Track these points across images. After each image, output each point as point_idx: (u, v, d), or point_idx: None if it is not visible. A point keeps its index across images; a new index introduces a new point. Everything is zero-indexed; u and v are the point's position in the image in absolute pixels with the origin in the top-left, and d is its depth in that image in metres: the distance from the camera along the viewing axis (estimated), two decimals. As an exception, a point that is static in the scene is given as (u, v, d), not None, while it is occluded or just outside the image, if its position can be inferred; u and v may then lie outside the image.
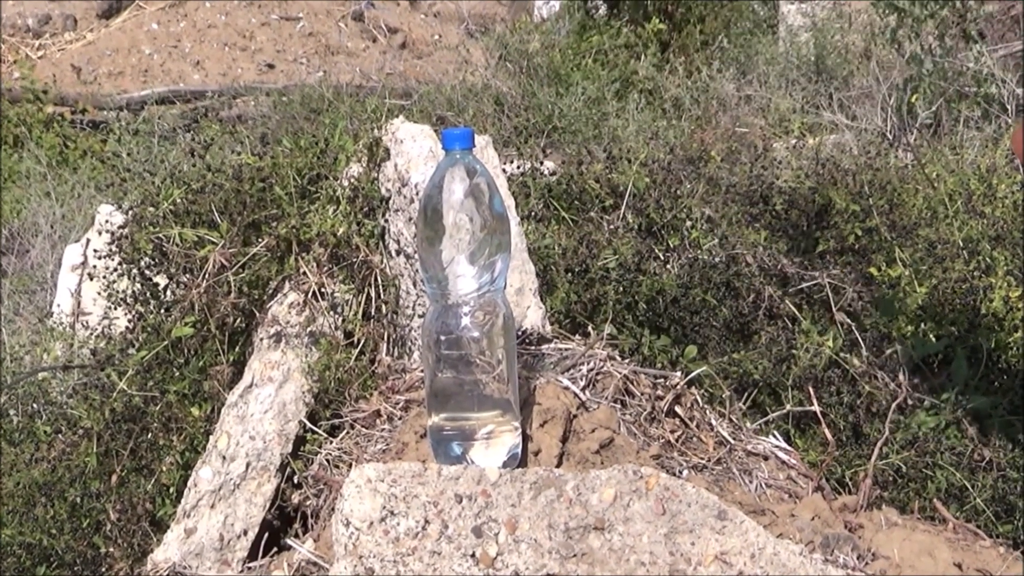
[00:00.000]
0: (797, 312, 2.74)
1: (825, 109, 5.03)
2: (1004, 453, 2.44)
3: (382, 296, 2.33)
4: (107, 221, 2.78)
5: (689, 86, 5.80)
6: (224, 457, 2.09)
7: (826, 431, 2.32)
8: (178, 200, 2.45)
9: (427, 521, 1.64)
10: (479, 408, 1.81)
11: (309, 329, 2.26)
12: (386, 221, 2.38)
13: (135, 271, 2.51)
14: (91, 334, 2.82)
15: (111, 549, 2.26)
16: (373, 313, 2.34)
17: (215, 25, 10.31)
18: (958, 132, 4.43)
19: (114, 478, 2.30)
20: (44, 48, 9.83)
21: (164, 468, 2.28)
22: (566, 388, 2.05)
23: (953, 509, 2.28)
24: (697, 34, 7.14)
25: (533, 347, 2.21)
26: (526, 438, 1.89)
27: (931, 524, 2.07)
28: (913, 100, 4.54)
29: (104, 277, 2.55)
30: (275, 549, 2.01)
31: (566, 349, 2.22)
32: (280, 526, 2.07)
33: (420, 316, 2.26)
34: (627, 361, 2.28)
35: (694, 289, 2.73)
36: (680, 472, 2.01)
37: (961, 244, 2.75)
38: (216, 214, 2.40)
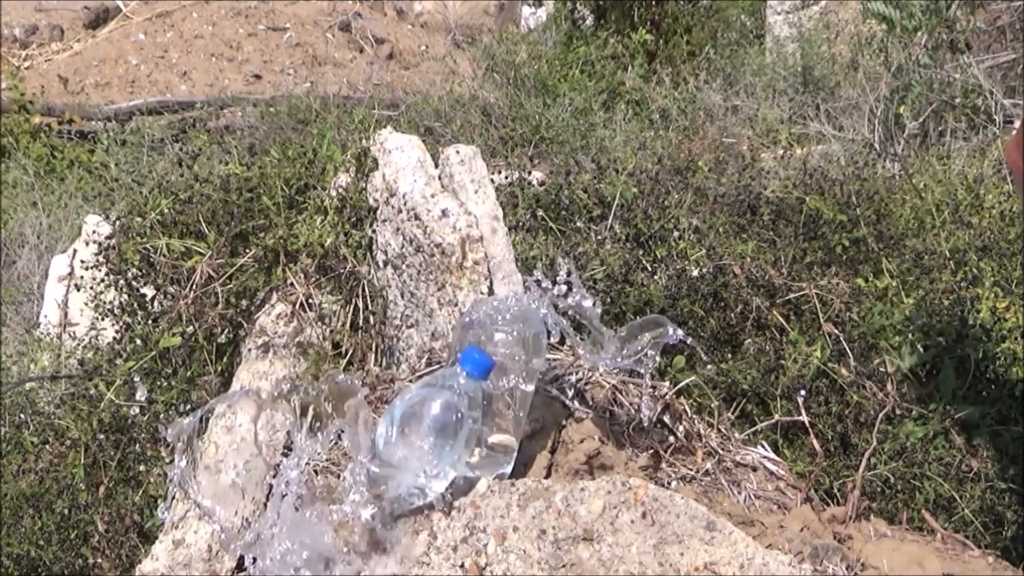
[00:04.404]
0: (785, 323, 2.74)
1: (812, 119, 5.04)
2: (992, 464, 2.44)
3: (370, 307, 2.33)
4: (94, 232, 2.78)
5: (676, 97, 5.80)
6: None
7: (814, 441, 2.33)
8: (165, 211, 2.45)
9: (416, 532, 1.64)
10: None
11: (297, 340, 2.25)
12: (374, 231, 2.38)
13: (122, 282, 2.51)
14: (78, 345, 2.82)
15: (99, 560, 2.26)
16: (361, 324, 2.33)
17: (202, 36, 10.30)
18: (945, 142, 4.44)
19: (102, 489, 2.30)
20: (31, 58, 9.82)
21: (152, 479, 2.27)
22: (555, 398, 2.05)
23: (941, 520, 2.28)
24: (684, 45, 7.14)
25: (521, 357, 2.21)
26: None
27: (920, 535, 2.08)
28: (900, 111, 4.55)
29: (91, 288, 2.54)
30: (263, 560, 2.00)
31: (554, 359, 2.22)
32: (268, 537, 2.07)
33: (408, 327, 2.26)
34: (615, 371, 2.28)
35: (682, 300, 2.73)
36: (669, 483, 2.00)
37: (948, 254, 2.75)
38: (203, 225, 2.40)
